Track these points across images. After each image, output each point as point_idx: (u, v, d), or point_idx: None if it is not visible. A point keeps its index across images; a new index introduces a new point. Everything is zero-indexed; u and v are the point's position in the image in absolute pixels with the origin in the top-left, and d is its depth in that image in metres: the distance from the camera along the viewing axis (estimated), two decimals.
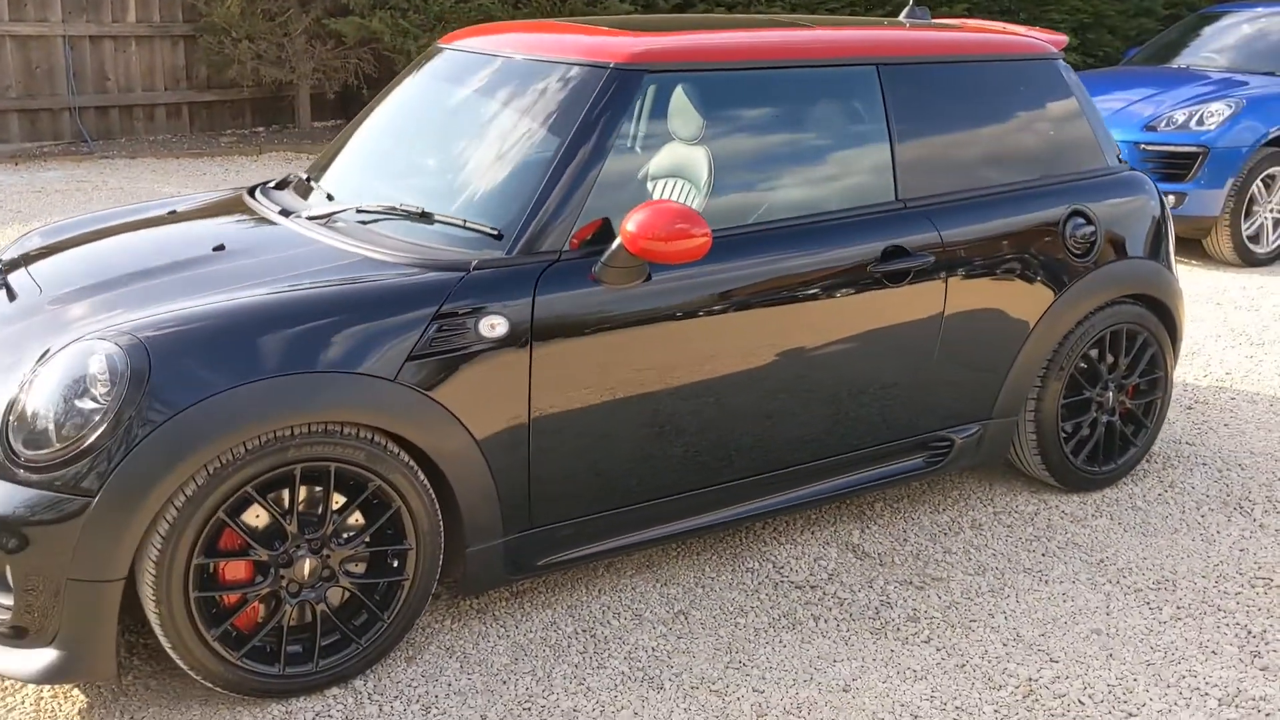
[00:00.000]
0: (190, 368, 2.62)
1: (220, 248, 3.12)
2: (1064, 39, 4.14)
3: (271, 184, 3.81)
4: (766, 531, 3.73)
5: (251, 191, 3.75)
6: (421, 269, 2.93)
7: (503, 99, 3.38)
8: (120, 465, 2.54)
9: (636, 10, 11.97)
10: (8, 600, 2.67)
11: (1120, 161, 4.12)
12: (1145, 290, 4.02)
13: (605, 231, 3.10)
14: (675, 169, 3.48)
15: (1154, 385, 4.16)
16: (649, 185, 3.45)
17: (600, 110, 3.12)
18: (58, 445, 2.58)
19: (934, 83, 3.66)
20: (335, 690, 2.87)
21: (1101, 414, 4.05)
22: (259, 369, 2.65)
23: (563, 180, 3.05)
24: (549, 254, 3.01)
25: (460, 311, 2.86)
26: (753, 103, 3.39)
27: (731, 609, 3.30)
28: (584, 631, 3.17)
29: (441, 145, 3.46)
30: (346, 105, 12.34)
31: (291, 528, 2.74)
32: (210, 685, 2.76)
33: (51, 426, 2.59)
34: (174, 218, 3.60)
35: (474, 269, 2.93)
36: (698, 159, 3.39)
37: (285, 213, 3.38)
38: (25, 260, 3.34)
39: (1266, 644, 3.19)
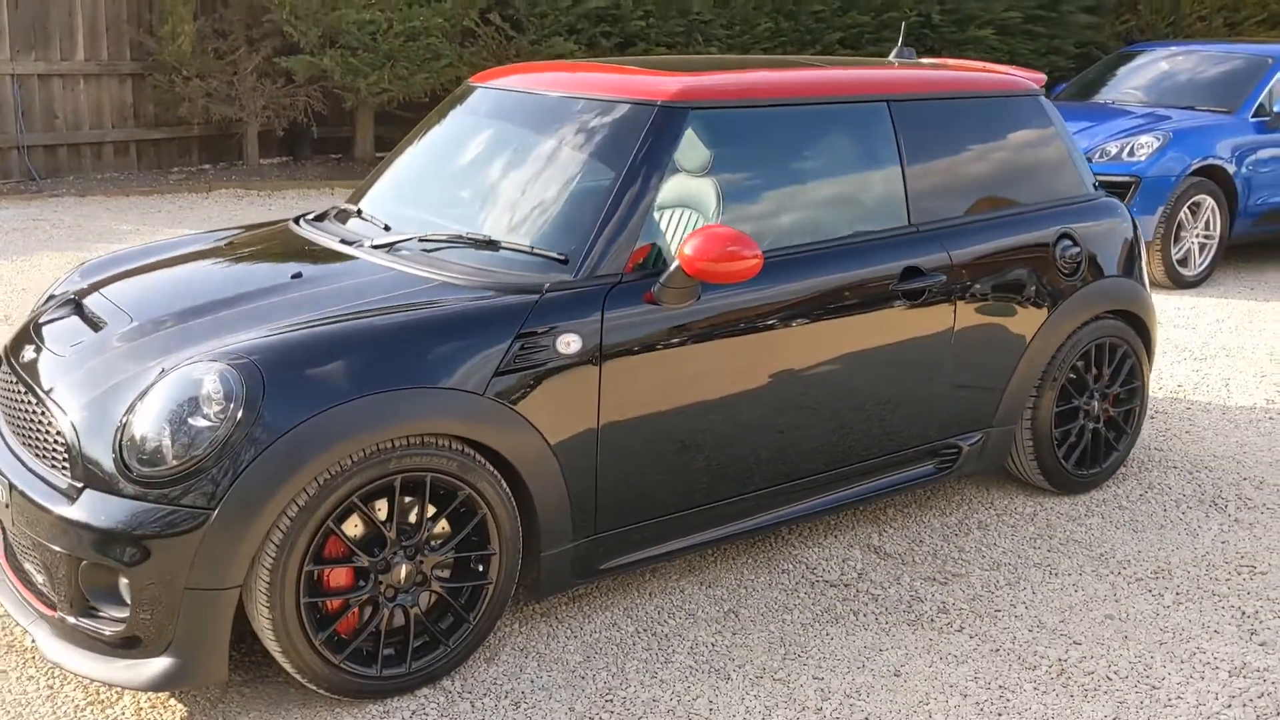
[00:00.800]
0: (299, 386, 2.80)
1: (299, 275, 3.29)
2: (1043, 76, 4.50)
3: (312, 215, 3.98)
4: (793, 536, 3.98)
5: (297, 221, 3.92)
6: (497, 292, 3.14)
7: (553, 134, 3.60)
8: (239, 480, 2.70)
9: (580, 50, 12.27)
10: (120, 613, 2.80)
11: (1095, 188, 4.48)
12: (1125, 306, 4.37)
13: (655, 255, 3.34)
14: (682, 200, 3.72)
15: (1132, 394, 4.51)
16: (656, 215, 3.65)
17: (650, 144, 3.37)
18: (174, 462, 2.73)
19: (937, 117, 3.98)
20: (425, 690, 3.04)
21: (1088, 421, 4.38)
22: (363, 386, 2.84)
23: (620, 208, 3.28)
24: (610, 277, 3.23)
25: (539, 331, 3.07)
26: (781, 136, 3.66)
27: (775, 606, 3.54)
28: (645, 630, 3.38)
29: (494, 177, 3.66)
30: (294, 143, 12.43)
31: (391, 535, 2.91)
32: (314, 688, 2.91)
33: (168, 444, 2.74)
34: (233, 248, 3.75)
35: (547, 291, 3.14)
36: (705, 190, 3.63)
37: (347, 242, 3.56)
38: (94, 292, 3.45)
39: (1260, 623, 3.52)
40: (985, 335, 3.99)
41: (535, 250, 3.29)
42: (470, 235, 3.38)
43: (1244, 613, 3.59)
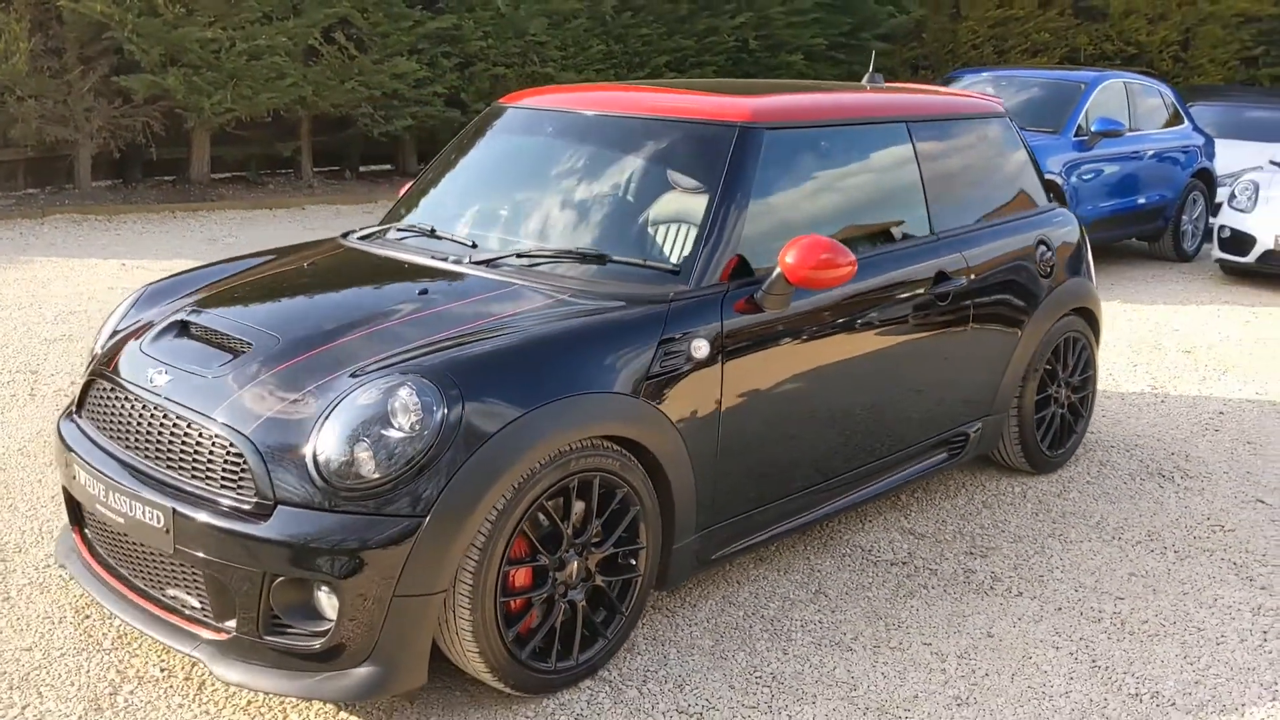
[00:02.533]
0: (492, 396, 2.91)
1: (425, 292, 3.37)
2: (1001, 100, 5.01)
3: (361, 233, 4.04)
4: (837, 524, 4.30)
5: (345, 236, 4.00)
6: (628, 303, 3.32)
7: (635, 154, 3.80)
8: (447, 488, 2.80)
9: (422, 69, 12.28)
10: (319, 626, 2.84)
11: (1050, 200, 5.02)
12: (1083, 303, 4.92)
13: (742, 264, 3.59)
14: (678, 216, 3.96)
15: (1086, 382, 5.06)
16: (650, 230, 3.85)
17: (736, 162, 3.62)
18: (377, 475, 2.79)
19: (942, 136, 4.40)
20: (588, 682, 3.19)
21: (1057, 408, 4.90)
22: (545, 394, 2.98)
23: (720, 222, 3.53)
24: (717, 286, 3.47)
25: (676, 337, 3.28)
26: (833, 153, 3.99)
27: (853, 586, 3.84)
28: (752, 614, 3.62)
29: (579, 196, 3.82)
30: (127, 166, 11.89)
31: (568, 534, 3.06)
32: (501, 686, 3.01)
33: (368, 458, 2.79)
34: (321, 268, 3.75)
35: (672, 301, 3.35)
36: (701, 206, 3.80)
37: (439, 258, 3.64)
38: (202, 314, 3.40)
39: (1253, 571, 4.08)
40: (990, 331, 4.43)
41: (648, 263, 3.49)
42: (580, 250, 3.55)
43: (1235, 564, 4.14)
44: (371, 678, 2.84)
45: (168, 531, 2.93)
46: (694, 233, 3.52)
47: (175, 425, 3.04)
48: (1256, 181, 10.10)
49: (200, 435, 2.97)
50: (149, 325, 3.47)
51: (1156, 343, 7.47)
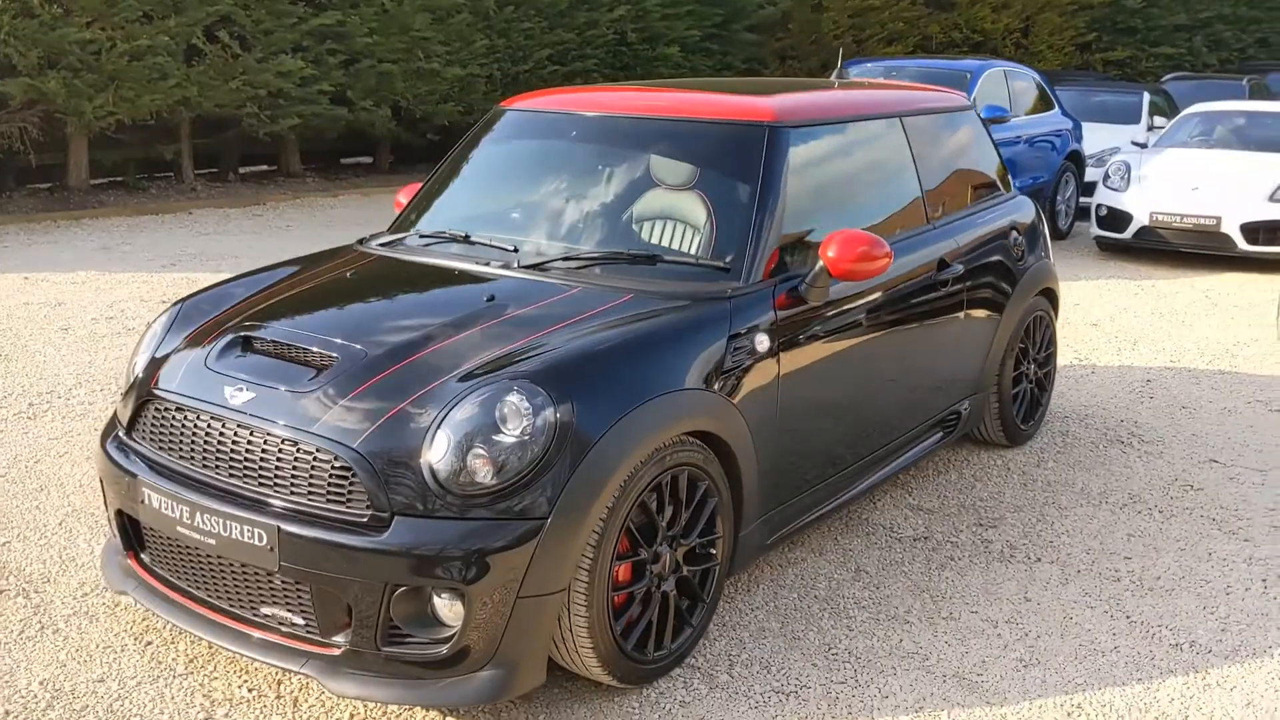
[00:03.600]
0: (596, 398, 2.98)
1: (492, 298, 3.40)
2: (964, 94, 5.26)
3: (382, 241, 4.03)
4: (851, 505, 4.47)
5: (362, 243, 4.00)
6: (691, 301, 3.41)
7: (665, 154, 3.88)
8: (565, 489, 2.85)
9: (308, 67, 12.03)
10: (445, 633, 2.86)
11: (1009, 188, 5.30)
12: (1048, 284, 5.22)
13: (781, 259, 3.72)
14: (665, 213, 4.06)
15: (1049, 358, 5.37)
16: (635, 227, 3.90)
17: (770, 160, 3.75)
18: (495, 481, 2.83)
19: (927, 129, 4.61)
20: (678, 670, 3.28)
21: (1028, 383, 5.19)
22: (641, 393, 3.06)
23: (764, 219, 3.65)
24: (765, 281, 3.59)
25: (742, 331, 3.39)
26: (846, 149, 4.15)
27: (888, 562, 4.02)
28: (806, 595, 3.76)
29: (613, 197, 3.88)
30: (1, 174, 11.31)
31: (663, 527, 3.14)
32: (608, 679, 3.08)
33: (484, 465, 2.82)
34: (364, 277, 3.72)
35: (731, 297, 3.46)
36: (691, 203, 3.86)
37: (483, 263, 3.67)
38: (261, 328, 3.35)
39: (1234, 526, 4.42)
40: (978, 313, 4.66)
41: (700, 261, 3.59)
42: (631, 251, 3.62)
43: (1214, 520, 4.47)
44: (495, 680, 2.88)
45: (272, 549, 2.90)
46: (719, 230, 3.63)
47: (267, 442, 3.00)
48: (1128, 162, 10.75)
49: (300, 451, 2.95)
50: (203, 342, 3.39)
51: (1064, 318, 7.89)
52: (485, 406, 2.88)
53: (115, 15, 10.58)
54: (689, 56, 16.07)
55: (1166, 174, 10.43)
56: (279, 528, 2.89)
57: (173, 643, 3.40)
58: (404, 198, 4.48)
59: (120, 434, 3.41)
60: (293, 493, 2.95)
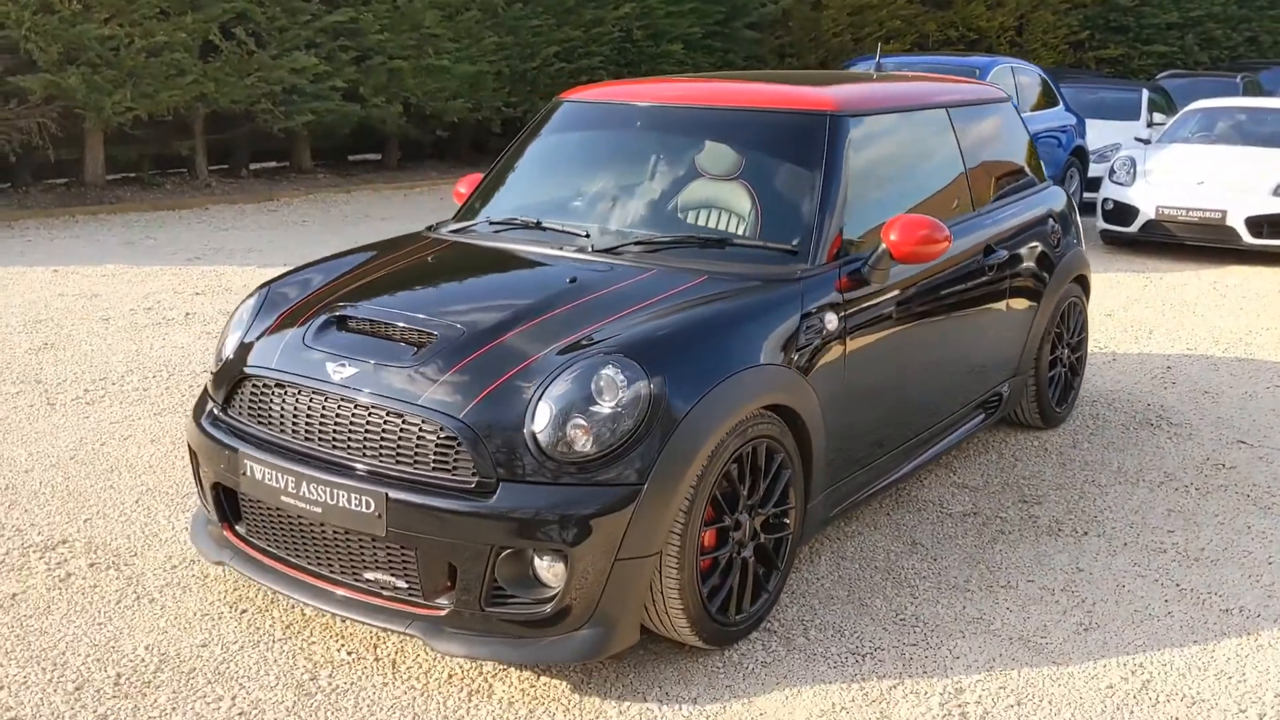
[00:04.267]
0: (687, 372, 3.12)
1: (574, 280, 3.54)
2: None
3: (451, 228, 4.17)
4: (900, 483, 4.63)
5: (433, 228, 4.14)
6: (763, 282, 3.56)
7: (730, 142, 4.03)
8: (661, 457, 3.00)
9: (321, 64, 12.13)
10: (547, 593, 3.01)
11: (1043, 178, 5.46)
12: (1081, 270, 5.38)
13: (841, 243, 3.87)
14: (709, 202, 4.21)
15: (1081, 343, 5.53)
16: (681, 215, 4.07)
17: (832, 148, 3.90)
18: (594, 450, 2.97)
19: (972, 119, 4.77)
20: (755, 634, 3.43)
21: (1062, 367, 5.35)
22: (727, 368, 3.20)
23: (829, 203, 3.80)
24: (830, 263, 3.74)
25: (813, 310, 3.54)
26: (896, 137, 4.31)
27: (941, 536, 4.18)
28: (866, 566, 3.91)
29: (683, 183, 4.03)
30: (17, 170, 11.39)
31: (744, 496, 3.29)
32: (695, 641, 3.22)
33: (583, 434, 2.97)
34: (441, 261, 3.86)
35: (800, 278, 3.60)
36: (736, 192, 4.03)
37: (557, 248, 3.81)
38: (352, 308, 3.47)
39: (1263, 500, 4.58)
40: (1020, 299, 4.82)
41: (769, 245, 3.74)
42: (702, 235, 3.77)
43: (1248, 496, 4.64)
44: (593, 639, 3.02)
45: (379, 516, 3.04)
46: (786, 215, 3.79)
47: (371, 414, 3.13)
48: (1133, 157, 10.94)
49: (404, 423, 3.08)
50: (297, 322, 3.50)
51: None
52: (583, 380, 3.02)
53: (133, 11, 10.67)
54: (691, 54, 16.24)
55: (1172, 169, 10.63)
56: (386, 495, 3.02)
57: (266, 610, 3.53)
58: (464, 188, 4.61)
59: (215, 411, 3.54)
60: (398, 462, 3.08)
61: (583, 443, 2.98)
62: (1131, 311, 8.07)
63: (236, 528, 3.51)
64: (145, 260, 8.95)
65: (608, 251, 3.76)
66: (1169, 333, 7.43)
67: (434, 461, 3.05)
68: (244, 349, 3.56)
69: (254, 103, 11.92)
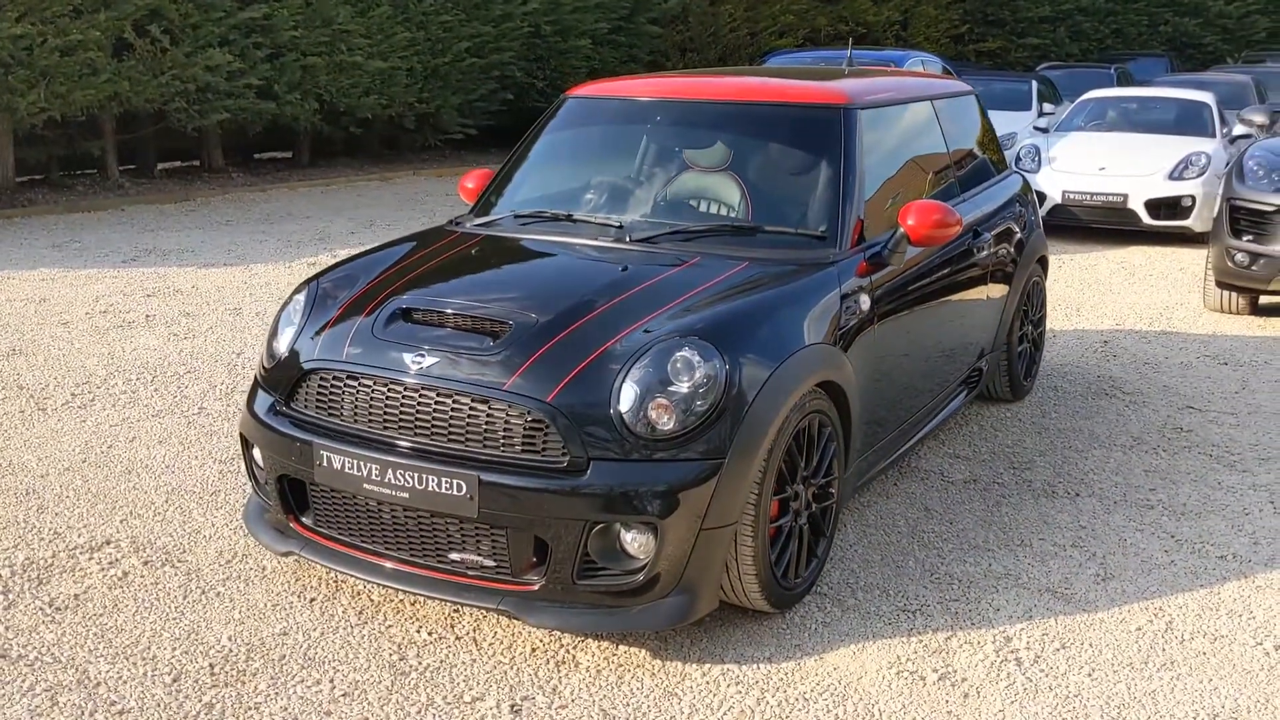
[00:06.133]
0: (755, 352, 3.32)
1: (626, 269, 3.69)
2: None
3: (474, 223, 4.29)
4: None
5: (455, 222, 4.27)
6: (799, 267, 3.77)
7: (750, 135, 4.24)
8: (737, 433, 3.19)
9: (234, 61, 11.97)
10: (636, 564, 3.17)
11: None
12: (1043, 252, 5.73)
13: (863, 227, 4.10)
14: (698, 194, 4.41)
15: (1042, 320, 5.89)
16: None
17: (848, 139, 4.13)
18: (676, 427, 3.15)
19: (951, 111, 5.06)
20: (808, 597, 3.65)
21: (1027, 343, 5.69)
22: (787, 348, 3.41)
23: (850, 191, 4.03)
24: (855, 248, 3.98)
25: (850, 292, 3.77)
26: (896, 128, 4.56)
27: (951, 503, 4.45)
28: (891, 530, 4.16)
29: (709, 174, 4.21)
30: None
31: (802, 467, 3.50)
32: (765, 605, 3.42)
33: (665, 413, 3.14)
34: (486, 254, 3.97)
35: (833, 262, 3.83)
36: (725, 184, 4.25)
37: (592, 238, 3.97)
38: (410, 297, 3.58)
39: (1225, 458, 4.98)
40: (997, 279, 5.14)
41: (799, 231, 3.95)
42: (734, 223, 3.96)
43: (1211, 455, 5.03)
44: (680, 605, 3.20)
45: (472, 498, 3.16)
46: (812, 202, 4.02)
47: (456, 402, 3.25)
48: (1037, 145, 11.48)
49: (491, 408, 3.21)
50: (358, 315, 3.58)
51: None
52: (662, 362, 3.19)
53: (46, 10, 10.40)
54: (598, 49, 16.40)
55: (1074, 156, 11.18)
56: (479, 478, 3.15)
57: (334, 598, 3.61)
58: (471, 184, 4.71)
59: (279, 406, 3.60)
60: (485, 445, 3.21)
61: (665, 421, 3.15)
62: (1055, 291, 8.48)
63: (303, 519, 3.58)
64: (79, 264, 8.76)
65: (645, 241, 3.93)
66: (1094, 309, 7.88)
67: (522, 444, 3.18)
68: (303, 344, 3.62)
69: (168, 101, 11.70)
